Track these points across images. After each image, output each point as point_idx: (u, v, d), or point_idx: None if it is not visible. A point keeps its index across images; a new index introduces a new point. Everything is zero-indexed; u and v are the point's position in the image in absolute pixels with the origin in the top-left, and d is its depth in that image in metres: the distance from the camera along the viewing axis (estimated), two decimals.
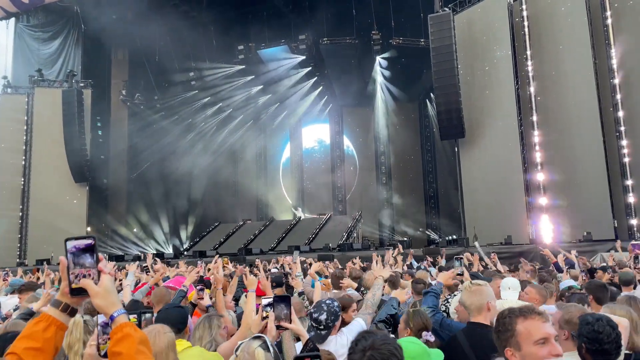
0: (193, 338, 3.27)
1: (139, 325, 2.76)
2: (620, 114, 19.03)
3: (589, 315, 2.43)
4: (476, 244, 12.56)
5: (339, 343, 3.10)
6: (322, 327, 3.08)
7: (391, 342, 1.87)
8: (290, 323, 2.57)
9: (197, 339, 3.25)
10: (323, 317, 3.06)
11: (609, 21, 19.48)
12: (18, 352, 1.38)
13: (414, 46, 27.97)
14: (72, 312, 1.49)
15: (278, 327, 2.55)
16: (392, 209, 33.05)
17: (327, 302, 3.17)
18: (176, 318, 3.22)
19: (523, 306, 2.09)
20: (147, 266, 8.90)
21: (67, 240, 1.49)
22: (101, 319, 1.64)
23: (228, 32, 30.38)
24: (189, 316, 3.70)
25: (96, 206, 28.80)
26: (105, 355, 1.57)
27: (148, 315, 2.91)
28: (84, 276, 1.47)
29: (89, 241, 1.49)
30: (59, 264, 1.50)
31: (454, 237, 22.29)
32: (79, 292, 1.47)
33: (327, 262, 11.71)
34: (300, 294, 5.38)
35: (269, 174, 37.42)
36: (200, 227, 33.59)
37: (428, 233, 30.97)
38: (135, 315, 2.82)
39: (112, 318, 1.45)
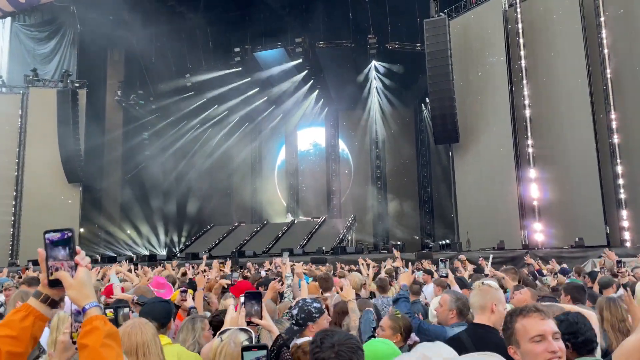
0: (176, 340, 3.24)
1: (116, 319, 2.75)
2: (614, 122, 19.12)
3: (561, 315, 2.44)
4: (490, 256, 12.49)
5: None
6: (293, 321, 3.07)
7: (352, 336, 1.90)
8: (261, 319, 2.57)
9: (180, 341, 3.23)
10: (295, 311, 3.05)
11: (603, 28, 19.60)
12: None
13: (409, 51, 28.09)
14: (52, 304, 1.52)
15: (249, 323, 2.54)
16: (386, 213, 33.07)
17: (307, 300, 3.16)
18: (160, 312, 3.20)
19: (525, 305, 2.13)
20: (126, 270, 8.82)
21: (45, 232, 1.51)
22: (74, 307, 1.64)
23: (224, 34, 30.47)
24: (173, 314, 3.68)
25: (89, 207, 28.69)
26: (76, 343, 1.57)
27: (126, 310, 2.89)
28: (59, 268, 1.49)
29: (66, 233, 1.51)
30: None
31: (447, 241, 22.32)
32: (56, 284, 1.50)
33: (318, 266, 11.70)
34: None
35: (264, 177, 37.39)
36: (194, 229, 33.53)
37: (421, 238, 30.99)
38: (112, 310, 2.81)
39: (84, 310, 1.47)
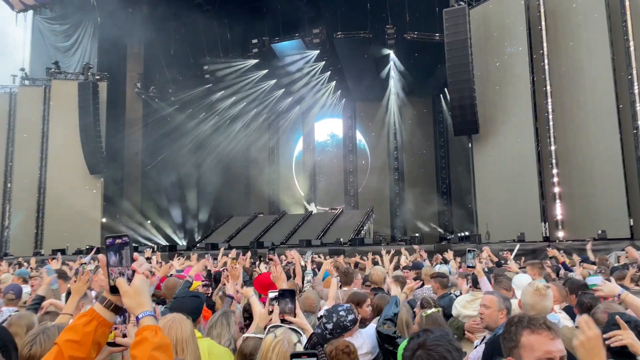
0: (210, 335, 3.22)
1: None
2: (639, 109, 18.70)
3: (619, 314, 2.38)
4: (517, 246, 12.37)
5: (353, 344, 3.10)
6: (326, 332, 3.07)
7: (444, 342, 1.72)
8: (295, 317, 2.59)
9: (215, 336, 3.20)
10: (330, 326, 3.04)
11: (628, 16, 19.11)
12: (60, 343, 1.46)
13: (428, 41, 27.72)
14: (115, 309, 1.54)
15: (282, 321, 2.57)
16: (404, 204, 32.94)
17: (341, 313, 3.11)
18: (191, 307, 3.20)
19: (533, 317, 1.97)
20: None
21: (106, 237, 1.54)
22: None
23: (242, 26, 30.46)
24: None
25: (111, 198, 29.16)
26: (111, 344, 1.61)
27: (159, 307, 2.94)
28: (120, 274, 1.51)
29: (124, 238, 1.52)
30: (80, 255, 1.56)
31: (466, 233, 22.16)
32: (117, 290, 1.51)
33: (335, 257, 11.72)
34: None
35: (282, 168, 37.50)
36: (213, 220, 33.82)
37: (440, 229, 30.81)
38: None
39: (137, 319, 1.48)
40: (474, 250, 4.99)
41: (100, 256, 1.53)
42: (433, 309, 3.45)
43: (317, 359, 1.82)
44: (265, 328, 2.90)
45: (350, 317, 3.08)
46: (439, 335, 1.75)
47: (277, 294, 2.71)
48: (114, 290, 1.51)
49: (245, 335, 2.99)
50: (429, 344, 1.70)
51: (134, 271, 1.51)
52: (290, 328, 2.47)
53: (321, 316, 3.19)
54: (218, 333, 3.22)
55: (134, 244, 25.33)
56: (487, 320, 3.38)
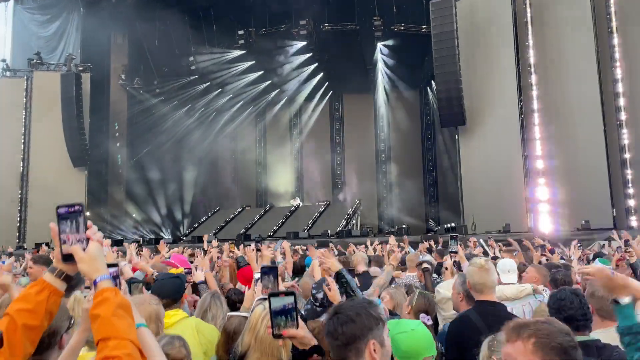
0: (204, 318, 3.23)
1: (130, 293, 2.78)
2: (622, 101, 18.95)
3: (561, 288, 2.45)
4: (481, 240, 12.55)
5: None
6: (317, 304, 3.10)
7: (356, 306, 1.81)
8: (278, 289, 2.59)
9: (210, 319, 3.23)
10: (320, 295, 3.08)
11: (612, 8, 19.31)
12: (11, 312, 1.46)
13: (415, 33, 27.76)
14: (66, 278, 1.56)
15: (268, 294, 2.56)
16: (391, 197, 33.06)
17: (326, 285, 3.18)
18: (172, 288, 3.20)
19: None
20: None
21: (57, 207, 1.53)
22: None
23: (228, 17, 30.14)
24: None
25: (95, 191, 28.80)
26: (65, 258, 1.55)
27: (140, 286, 2.92)
28: (66, 241, 1.51)
29: (76, 207, 1.53)
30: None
31: (452, 224, 22.31)
32: (69, 258, 1.51)
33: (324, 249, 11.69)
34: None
35: (269, 160, 37.38)
36: (199, 213, 33.63)
37: (427, 221, 30.98)
38: (126, 285, 2.83)
39: (95, 283, 1.48)
40: (456, 237, 5.07)
41: (52, 225, 1.53)
42: (426, 292, 3.50)
43: (295, 297, 1.82)
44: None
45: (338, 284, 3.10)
46: (354, 302, 1.87)
47: (261, 269, 2.75)
48: (66, 258, 1.51)
49: (230, 313, 3.00)
50: (341, 310, 1.80)
51: (87, 238, 1.52)
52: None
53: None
54: (213, 315, 3.26)
55: (119, 238, 25.15)
56: (453, 303, 3.52)
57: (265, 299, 2.38)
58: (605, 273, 2.92)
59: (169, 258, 5.96)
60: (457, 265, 4.77)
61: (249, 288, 3.80)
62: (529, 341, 1.53)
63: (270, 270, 2.78)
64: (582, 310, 2.37)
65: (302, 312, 2.84)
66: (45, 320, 1.50)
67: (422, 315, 3.34)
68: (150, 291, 3.23)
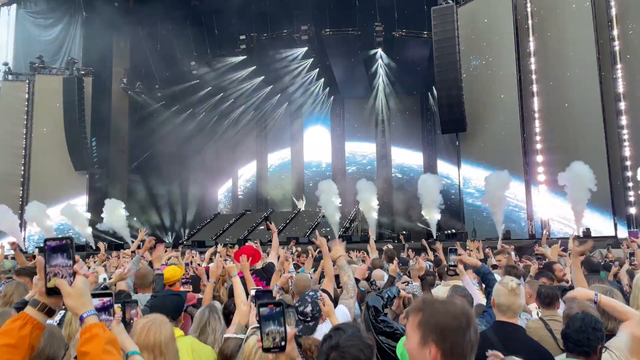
0: (204, 333, 3.19)
1: (123, 314, 2.75)
2: (622, 107, 18.93)
3: (584, 313, 2.42)
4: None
5: (320, 333, 3.08)
6: (309, 319, 3.07)
7: (357, 341, 1.78)
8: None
9: (210, 333, 3.19)
10: (308, 309, 3.05)
11: (613, 16, 19.32)
12: None
13: (416, 38, 27.79)
14: (49, 312, 1.53)
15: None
16: (392, 202, 32.99)
17: (310, 293, 3.17)
18: (172, 306, 3.16)
19: None
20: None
21: (46, 240, 1.51)
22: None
23: (230, 21, 30.21)
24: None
25: (96, 194, 28.78)
26: (50, 292, 1.51)
27: (133, 305, 2.88)
28: (57, 274, 1.49)
29: (65, 241, 1.51)
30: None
31: (453, 231, 22.26)
32: (54, 292, 1.49)
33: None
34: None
35: (270, 165, 37.35)
36: (200, 217, 33.60)
37: (427, 227, 30.84)
38: (120, 305, 2.79)
39: (81, 318, 1.47)
40: (455, 249, 5.00)
41: (39, 258, 1.52)
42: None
43: (283, 308, 1.83)
44: (246, 327, 2.85)
45: (319, 294, 3.13)
46: (351, 334, 1.80)
47: (255, 292, 2.71)
48: (51, 292, 1.49)
49: (226, 335, 2.95)
50: (342, 345, 1.75)
51: (74, 273, 1.50)
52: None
53: (295, 307, 3.17)
54: (213, 329, 3.20)
55: (120, 241, 25.13)
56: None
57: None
58: (587, 296, 2.92)
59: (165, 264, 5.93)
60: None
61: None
62: (416, 316, 1.55)
63: (264, 294, 2.74)
64: (597, 342, 2.35)
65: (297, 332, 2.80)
66: (27, 355, 1.48)
67: None
68: (149, 307, 3.20)
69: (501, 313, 2.90)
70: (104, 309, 1.53)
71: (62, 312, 3.42)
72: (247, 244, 8.08)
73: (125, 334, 1.55)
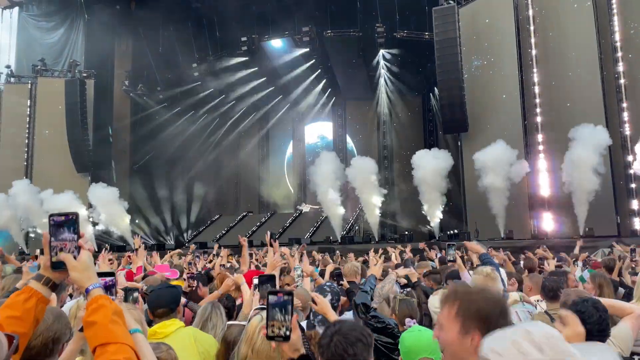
0: (204, 328, 3.21)
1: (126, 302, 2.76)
2: (625, 106, 18.93)
3: (579, 298, 2.46)
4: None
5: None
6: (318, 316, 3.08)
7: (358, 328, 1.90)
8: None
9: (211, 328, 3.21)
10: (328, 298, 3.07)
11: (615, 16, 19.32)
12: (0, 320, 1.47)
13: (418, 39, 27.80)
14: (53, 287, 1.57)
15: (264, 305, 2.54)
16: (394, 203, 32.94)
17: (328, 284, 3.19)
18: (168, 297, 3.15)
19: None
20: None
21: (50, 215, 1.54)
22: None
23: (231, 23, 30.27)
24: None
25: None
26: (54, 266, 1.54)
27: (135, 294, 2.90)
28: (63, 248, 1.52)
29: (71, 215, 1.54)
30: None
31: (455, 231, 22.23)
32: (59, 266, 1.52)
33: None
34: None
35: (272, 166, 37.40)
36: (202, 219, 33.63)
37: (430, 227, 30.83)
38: (122, 291, 2.82)
39: (87, 291, 1.50)
40: (453, 245, 5.02)
41: (44, 233, 1.54)
42: (406, 296, 3.49)
43: (292, 298, 1.85)
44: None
45: (335, 285, 3.14)
46: (352, 323, 1.97)
47: (259, 278, 2.74)
48: (56, 266, 1.52)
49: (230, 322, 2.98)
50: (344, 330, 1.86)
51: (79, 247, 1.53)
52: None
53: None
54: (214, 324, 3.23)
55: (121, 244, 25.16)
56: None
57: (263, 309, 2.37)
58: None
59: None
60: (452, 274, 4.74)
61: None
62: (453, 306, 1.56)
63: (268, 280, 2.76)
64: (600, 324, 2.36)
65: (315, 322, 2.84)
66: (32, 327, 1.51)
67: (407, 320, 3.33)
68: (146, 301, 3.20)
69: None
70: (106, 288, 1.55)
71: (67, 310, 3.44)
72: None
73: (126, 312, 1.57)
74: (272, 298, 1.84)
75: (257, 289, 2.69)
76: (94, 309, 1.45)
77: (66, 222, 1.53)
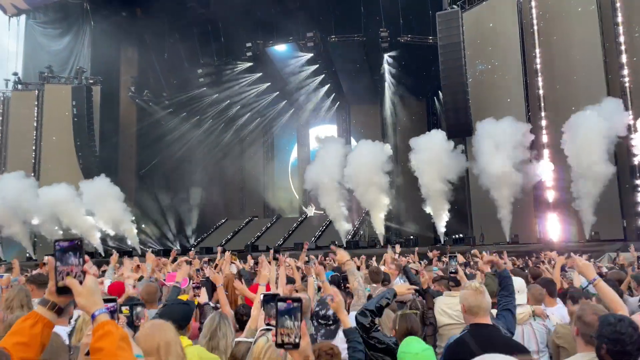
0: (214, 338, 3.20)
1: (131, 317, 2.78)
2: (630, 109, 18.88)
3: (611, 316, 2.40)
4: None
5: (339, 337, 3.11)
6: (330, 322, 3.07)
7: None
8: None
9: (221, 337, 3.19)
10: (330, 312, 3.05)
11: (619, 18, 19.29)
12: (7, 346, 1.48)
13: (422, 44, 27.82)
14: (59, 311, 1.58)
15: (268, 325, 2.56)
16: (399, 207, 32.90)
17: (330, 297, 3.18)
18: (179, 315, 3.16)
19: None
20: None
21: (56, 241, 1.56)
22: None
23: (236, 29, 30.42)
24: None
25: None
26: (60, 291, 1.56)
27: (139, 308, 2.91)
28: (69, 273, 1.54)
29: (75, 242, 1.56)
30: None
31: (461, 235, 22.18)
32: (64, 291, 1.54)
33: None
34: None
35: (277, 171, 37.46)
36: (208, 224, 33.70)
37: (434, 232, 30.74)
38: (127, 307, 2.83)
39: (93, 316, 1.51)
40: (455, 256, 5.04)
41: (50, 258, 1.55)
42: (409, 310, 3.47)
43: (301, 304, 1.83)
44: (256, 331, 2.89)
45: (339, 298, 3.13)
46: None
47: (264, 296, 2.73)
48: (61, 291, 1.54)
49: (237, 339, 2.98)
50: None
51: (84, 272, 1.55)
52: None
53: (315, 312, 3.19)
54: (224, 333, 3.21)
55: (129, 249, 25.26)
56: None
57: (268, 329, 2.39)
58: (588, 273, 3.00)
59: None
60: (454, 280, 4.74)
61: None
62: None
63: (273, 298, 2.77)
64: (638, 345, 2.28)
65: (318, 337, 2.84)
66: (39, 353, 1.53)
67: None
68: (159, 315, 3.23)
69: (473, 315, 2.95)
70: (108, 314, 1.58)
71: (73, 322, 3.49)
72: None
73: (98, 290, 1.60)
74: (281, 305, 1.82)
75: (263, 308, 2.68)
76: (101, 335, 1.46)
77: (71, 248, 1.55)
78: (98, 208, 24.28)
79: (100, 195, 24.03)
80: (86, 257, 1.59)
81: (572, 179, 18.74)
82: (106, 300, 1.80)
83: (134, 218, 26.52)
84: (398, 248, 10.47)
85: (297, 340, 1.81)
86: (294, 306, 1.82)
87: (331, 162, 23.31)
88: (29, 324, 1.52)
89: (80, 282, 1.54)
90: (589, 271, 3.03)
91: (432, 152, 21.00)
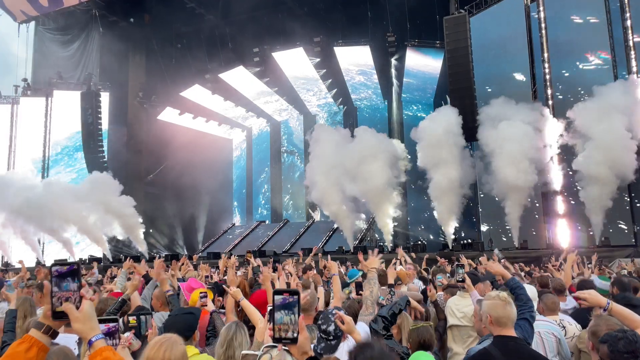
0: (230, 347, 3.20)
1: (139, 326, 2.76)
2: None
3: (617, 331, 2.36)
4: (495, 251, 12.49)
5: (344, 350, 3.06)
6: (331, 337, 3.03)
7: (388, 357, 1.86)
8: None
9: (237, 347, 3.20)
10: (331, 327, 3.01)
11: (629, 22, 19.15)
12: None
13: (429, 48, 27.78)
14: (53, 335, 1.57)
15: (275, 340, 2.51)
16: (407, 212, 32.79)
17: (334, 312, 3.12)
18: (184, 325, 3.16)
19: None
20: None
21: (52, 265, 1.55)
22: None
23: (243, 34, 30.54)
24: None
25: None
26: (56, 316, 1.55)
27: (148, 317, 2.89)
28: (67, 299, 1.53)
29: (73, 266, 1.55)
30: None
31: (469, 241, 22.03)
32: (61, 316, 1.53)
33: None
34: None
35: (284, 176, 37.45)
36: (215, 229, 33.75)
37: (443, 237, 30.62)
38: (135, 317, 2.82)
39: (90, 342, 1.51)
40: (462, 265, 4.99)
41: (46, 283, 1.54)
42: (422, 323, 3.42)
43: (298, 298, 1.79)
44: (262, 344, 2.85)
45: (343, 312, 3.08)
46: (380, 348, 1.98)
47: (271, 309, 2.69)
48: (57, 316, 1.53)
49: (244, 352, 2.95)
50: (376, 356, 1.89)
51: (81, 297, 1.54)
52: (285, 350, 2.41)
53: (318, 324, 3.14)
54: (240, 343, 3.22)
55: (137, 255, 25.34)
56: (476, 328, 3.62)
57: (274, 346, 2.35)
58: (598, 301, 2.90)
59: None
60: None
61: (263, 315, 3.78)
62: None
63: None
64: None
65: (318, 350, 2.78)
66: None
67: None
68: (164, 326, 3.22)
69: (500, 327, 2.88)
70: (109, 334, 1.57)
71: None
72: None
73: (130, 358, 1.59)
74: (278, 298, 1.79)
75: (270, 322, 2.64)
76: None
77: (69, 273, 1.54)
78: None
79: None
80: (82, 281, 1.56)
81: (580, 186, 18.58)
82: (107, 321, 1.79)
83: (142, 221, 26.61)
84: (401, 251, 10.38)
85: (295, 335, 1.77)
86: (291, 300, 1.78)
87: (332, 159, 23.20)
88: (23, 348, 1.50)
89: (77, 307, 1.52)
90: (598, 300, 2.95)
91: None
